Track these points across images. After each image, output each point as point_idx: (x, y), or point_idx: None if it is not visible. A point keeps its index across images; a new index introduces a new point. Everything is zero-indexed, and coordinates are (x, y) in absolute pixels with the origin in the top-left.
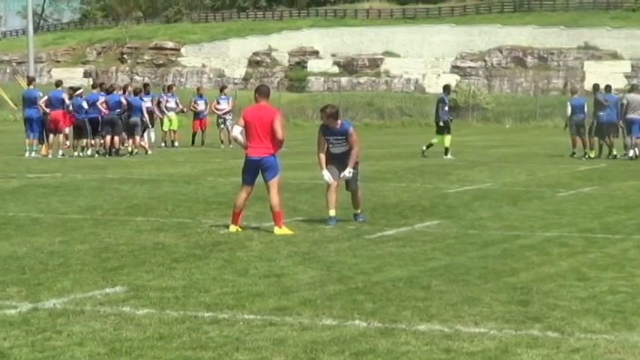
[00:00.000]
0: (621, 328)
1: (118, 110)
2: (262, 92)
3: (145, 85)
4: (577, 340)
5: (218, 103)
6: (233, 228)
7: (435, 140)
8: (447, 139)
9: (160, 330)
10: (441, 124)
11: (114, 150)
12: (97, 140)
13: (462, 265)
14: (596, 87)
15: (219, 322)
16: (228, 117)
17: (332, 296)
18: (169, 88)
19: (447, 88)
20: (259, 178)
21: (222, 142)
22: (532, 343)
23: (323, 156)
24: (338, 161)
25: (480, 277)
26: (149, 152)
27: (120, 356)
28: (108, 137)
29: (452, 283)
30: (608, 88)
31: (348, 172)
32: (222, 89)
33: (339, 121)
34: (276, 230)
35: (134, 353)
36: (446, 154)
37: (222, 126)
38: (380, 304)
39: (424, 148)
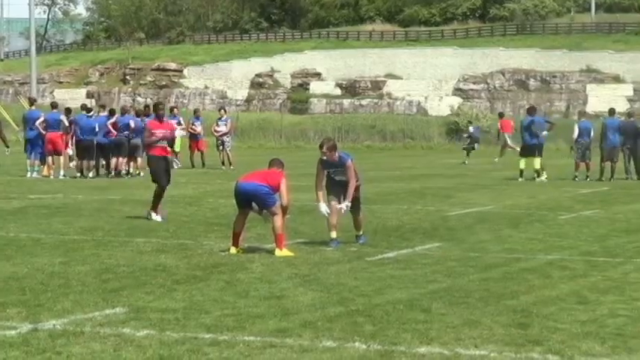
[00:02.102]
0: (621, 352)
1: (127, 132)
2: (276, 163)
3: (146, 107)
4: None
5: (217, 125)
6: (233, 250)
7: (538, 164)
8: (538, 161)
9: (160, 351)
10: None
11: (116, 171)
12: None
13: (463, 288)
14: (531, 110)
15: (220, 343)
16: (226, 139)
17: (332, 318)
18: (171, 109)
19: (533, 110)
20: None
21: (222, 163)
22: None
23: (321, 192)
24: (340, 187)
25: (480, 299)
26: (142, 174)
27: None
28: (114, 159)
29: (452, 306)
30: (612, 111)
31: (345, 207)
32: (220, 111)
33: (337, 154)
34: (277, 252)
35: None
36: (538, 176)
37: (221, 147)
38: (380, 326)
39: (541, 177)
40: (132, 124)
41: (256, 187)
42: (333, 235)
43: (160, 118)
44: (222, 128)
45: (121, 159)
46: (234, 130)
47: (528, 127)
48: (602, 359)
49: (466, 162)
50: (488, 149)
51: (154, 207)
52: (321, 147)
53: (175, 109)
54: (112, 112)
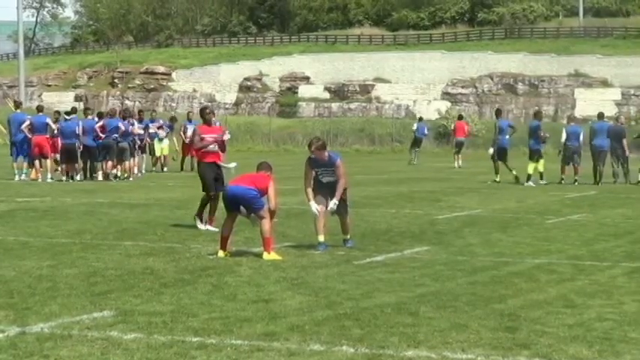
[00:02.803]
0: (608, 356)
1: (115, 135)
2: (264, 167)
3: (140, 112)
4: None
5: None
6: (221, 254)
7: (531, 169)
8: (533, 167)
9: (147, 355)
10: (542, 149)
11: (104, 175)
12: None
13: (451, 292)
14: (498, 113)
15: (207, 347)
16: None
17: (320, 322)
18: (151, 113)
19: (540, 115)
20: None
21: None
22: None
23: (310, 190)
24: (327, 189)
25: (468, 303)
26: (131, 178)
27: None
28: (104, 162)
29: (440, 310)
30: (601, 115)
31: (333, 204)
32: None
33: (326, 153)
34: (265, 256)
35: None
36: (528, 179)
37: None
38: (368, 330)
39: (527, 182)
40: (121, 127)
41: (244, 191)
42: (321, 238)
43: (208, 122)
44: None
45: (109, 162)
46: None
47: (534, 132)
48: None
49: (414, 162)
50: (477, 152)
51: (199, 213)
52: (309, 146)
53: (154, 112)
54: (100, 115)
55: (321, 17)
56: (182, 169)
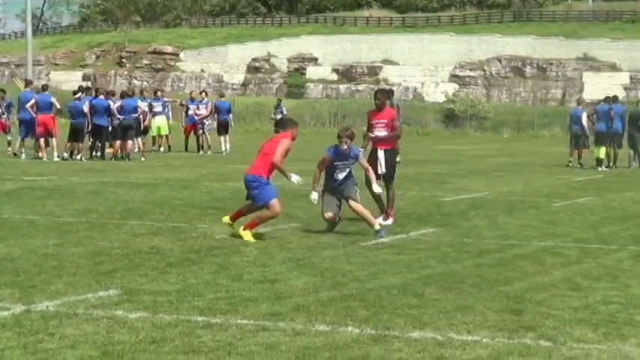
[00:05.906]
0: (614, 338)
1: (135, 115)
2: (281, 124)
3: (159, 91)
4: (569, 349)
5: (198, 108)
6: (227, 219)
7: (602, 154)
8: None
9: (152, 334)
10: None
11: (125, 154)
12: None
13: (457, 274)
14: (608, 99)
15: (212, 326)
16: (206, 122)
17: (325, 302)
18: (155, 92)
19: (609, 99)
20: None
21: (201, 147)
22: (524, 351)
23: (319, 175)
24: (338, 188)
25: (474, 285)
26: (143, 158)
27: (112, 359)
28: (118, 142)
29: (446, 291)
30: (615, 98)
31: (380, 190)
32: (201, 94)
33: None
34: (241, 230)
35: (126, 357)
36: (601, 164)
37: (201, 131)
38: (373, 310)
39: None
40: (141, 107)
41: (252, 179)
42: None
43: (379, 107)
44: (203, 111)
45: (130, 142)
46: (212, 114)
47: (606, 116)
48: (594, 346)
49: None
50: (484, 135)
51: (383, 212)
52: (342, 132)
53: (160, 92)
54: (119, 95)
55: None
56: (186, 149)
